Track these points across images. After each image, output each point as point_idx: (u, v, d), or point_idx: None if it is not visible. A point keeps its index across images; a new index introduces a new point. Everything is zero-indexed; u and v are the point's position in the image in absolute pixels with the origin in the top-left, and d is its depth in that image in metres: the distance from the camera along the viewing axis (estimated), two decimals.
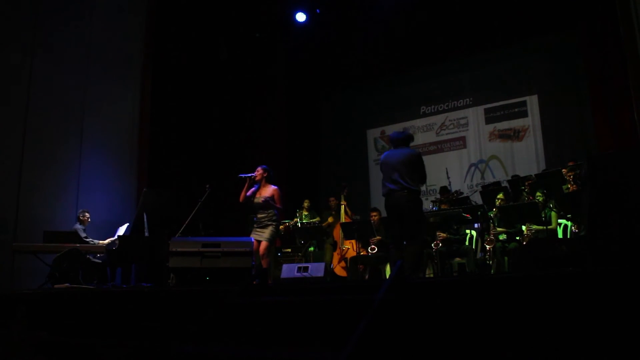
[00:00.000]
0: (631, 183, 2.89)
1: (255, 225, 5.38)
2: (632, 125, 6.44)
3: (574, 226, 5.55)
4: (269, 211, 5.31)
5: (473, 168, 9.09)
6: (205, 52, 9.60)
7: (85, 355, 3.66)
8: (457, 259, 6.15)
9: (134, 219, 6.45)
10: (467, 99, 9.36)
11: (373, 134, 10.35)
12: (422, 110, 9.84)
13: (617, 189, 2.91)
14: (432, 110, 9.74)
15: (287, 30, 9.82)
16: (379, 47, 9.43)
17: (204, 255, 4.74)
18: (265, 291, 3.31)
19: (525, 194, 6.13)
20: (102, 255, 6.48)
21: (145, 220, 6.28)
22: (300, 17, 9.50)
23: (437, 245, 6.02)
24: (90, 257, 6.43)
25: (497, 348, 2.38)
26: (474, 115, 9.22)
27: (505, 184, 7.23)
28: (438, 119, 9.62)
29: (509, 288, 2.49)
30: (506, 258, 5.71)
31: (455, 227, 6.28)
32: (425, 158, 4.84)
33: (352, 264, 6.59)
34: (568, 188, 5.77)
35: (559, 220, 5.75)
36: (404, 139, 4.66)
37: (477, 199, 6.94)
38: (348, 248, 6.94)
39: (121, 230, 6.70)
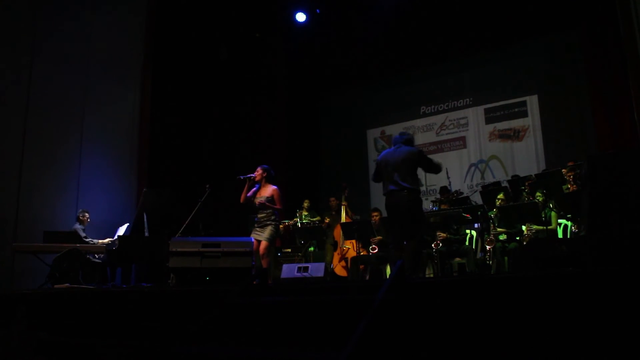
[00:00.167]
0: (631, 183, 2.89)
1: (255, 225, 5.39)
2: (632, 125, 6.45)
3: (574, 226, 5.54)
4: (269, 211, 5.31)
5: (473, 168, 9.09)
6: (205, 52, 9.60)
7: (85, 355, 3.66)
8: (457, 259, 6.15)
9: (134, 219, 6.44)
10: (467, 99, 9.36)
11: (373, 134, 10.35)
12: (422, 110, 9.85)
13: (617, 189, 2.91)
14: (432, 110, 9.74)
15: (287, 30, 9.83)
16: (379, 47, 9.43)
17: (204, 255, 4.74)
18: (265, 291, 3.30)
19: (525, 194, 6.13)
20: (102, 255, 6.49)
21: (145, 220, 6.27)
22: (300, 17, 9.51)
23: (437, 245, 6.02)
24: (90, 257, 6.43)
25: (497, 348, 2.38)
26: (474, 115, 9.23)
27: (505, 184, 7.22)
28: (438, 119, 9.62)
29: (509, 288, 2.49)
30: (506, 258, 5.70)
31: (455, 227, 6.28)
32: None
33: (353, 264, 6.59)
34: (568, 188, 5.78)
35: (559, 220, 5.75)
36: (405, 140, 4.66)
37: (477, 199, 6.94)
38: (349, 248, 6.94)
39: (121, 230, 6.70)
